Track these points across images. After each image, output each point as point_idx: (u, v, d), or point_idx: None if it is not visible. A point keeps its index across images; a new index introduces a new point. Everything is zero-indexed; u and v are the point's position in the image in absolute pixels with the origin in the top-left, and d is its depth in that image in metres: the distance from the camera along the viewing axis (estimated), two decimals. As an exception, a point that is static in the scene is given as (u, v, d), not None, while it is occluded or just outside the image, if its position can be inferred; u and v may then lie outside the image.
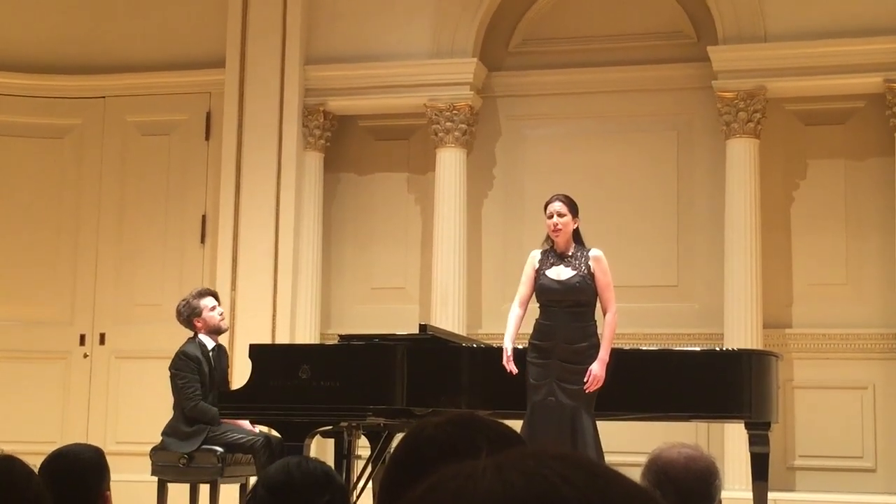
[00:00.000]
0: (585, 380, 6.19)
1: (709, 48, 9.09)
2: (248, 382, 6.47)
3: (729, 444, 8.52)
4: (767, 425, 6.50)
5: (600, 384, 6.20)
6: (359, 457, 7.10)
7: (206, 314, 7.40)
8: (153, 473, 7.34)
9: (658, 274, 9.23)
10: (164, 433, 7.33)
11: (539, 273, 6.41)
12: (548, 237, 6.50)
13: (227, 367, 7.60)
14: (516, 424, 5.96)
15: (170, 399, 7.52)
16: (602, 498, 0.79)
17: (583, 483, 0.79)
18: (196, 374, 7.27)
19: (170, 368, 7.39)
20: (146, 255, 9.99)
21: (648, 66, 9.38)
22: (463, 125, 9.43)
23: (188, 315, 7.44)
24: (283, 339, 9.20)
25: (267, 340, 8.98)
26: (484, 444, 1.50)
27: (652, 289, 9.16)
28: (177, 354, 7.45)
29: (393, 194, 9.84)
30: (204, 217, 9.93)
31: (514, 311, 6.52)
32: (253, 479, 6.86)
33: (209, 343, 7.42)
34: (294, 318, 9.42)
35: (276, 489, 2.45)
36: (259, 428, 7.26)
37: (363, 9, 9.77)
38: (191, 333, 7.53)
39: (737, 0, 9.05)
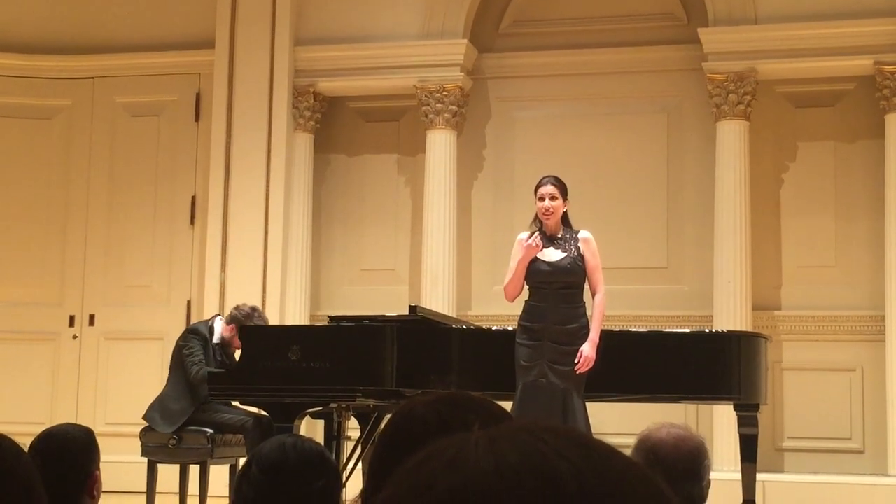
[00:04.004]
0: (576, 361, 6.19)
1: (699, 30, 9.08)
2: (238, 364, 6.47)
3: (718, 425, 8.55)
4: (756, 407, 6.52)
5: (591, 365, 6.20)
6: (349, 438, 7.10)
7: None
8: (143, 454, 7.35)
9: (648, 256, 9.24)
10: (151, 405, 7.35)
11: (529, 255, 6.40)
12: (536, 218, 6.48)
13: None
14: (506, 406, 5.96)
15: (158, 379, 7.53)
16: (596, 471, 0.78)
17: (577, 456, 0.79)
18: (202, 346, 7.29)
19: (178, 342, 7.42)
20: (135, 236, 9.98)
21: (639, 48, 9.38)
22: (453, 107, 9.41)
23: (244, 317, 7.26)
24: (272, 320, 9.18)
25: (257, 322, 8.96)
26: (474, 422, 1.50)
27: (641, 271, 9.17)
28: (186, 330, 7.55)
29: (383, 176, 9.83)
30: (193, 198, 9.91)
31: None
32: (242, 461, 6.86)
33: (217, 332, 7.41)
34: (284, 300, 9.42)
35: (270, 470, 2.41)
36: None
37: (353, -10, 9.75)
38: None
39: (727, -18, 9.04)
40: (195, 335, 7.39)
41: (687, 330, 7.46)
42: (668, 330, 7.47)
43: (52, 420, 8.43)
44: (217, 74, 9.73)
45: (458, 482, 0.77)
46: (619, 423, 7.69)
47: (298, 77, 9.71)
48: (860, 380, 8.82)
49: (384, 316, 6.68)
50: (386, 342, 6.23)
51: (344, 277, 9.82)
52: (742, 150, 8.90)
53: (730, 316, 8.64)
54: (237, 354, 7.10)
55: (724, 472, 7.96)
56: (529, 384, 6.21)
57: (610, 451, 0.82)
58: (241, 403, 7.19)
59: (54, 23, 10.27)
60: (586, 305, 6.39)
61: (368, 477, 1.60)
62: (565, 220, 6.48)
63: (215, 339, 7.41)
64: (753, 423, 6.48)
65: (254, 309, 7.44)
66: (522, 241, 6.46)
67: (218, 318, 7.57)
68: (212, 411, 7.27)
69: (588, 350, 6.20)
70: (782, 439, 8.92)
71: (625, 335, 6.66)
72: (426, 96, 9.43)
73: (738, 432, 6.56)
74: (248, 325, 7.00)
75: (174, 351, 7.48)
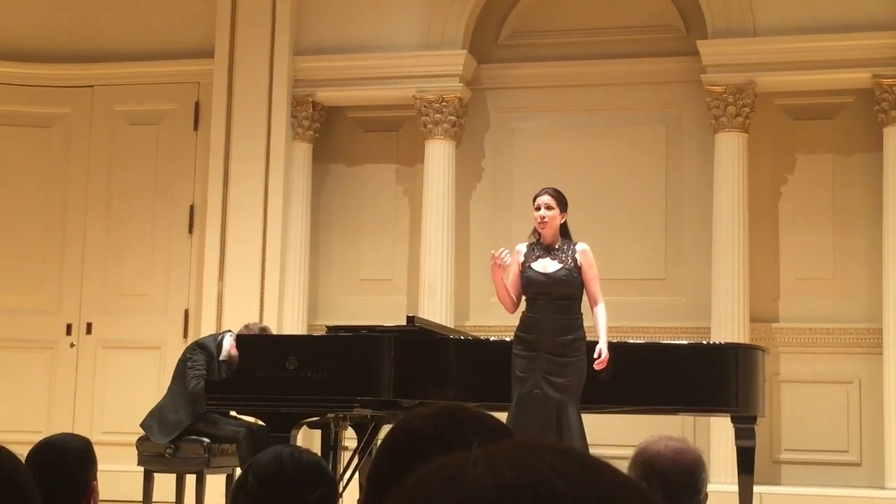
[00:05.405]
0: (596, 356, 6.19)
1: (698, 42, 9.10)
2: (235, 373, 6.47)
3: (715, 437, 8.54)
4: (753, 419, 6.51)
5: (605, 364, 6.21)
6: (345, 448, 7.10)
7: None
8: (139, 464, 7.34)
9: (646, 267, 9.24)
10: (150, 412, 7.34)
11: (525, 266, 6.41)
12: (535, 230, 6.50)
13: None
14: (503, 416, 5.97)
15: (156, 388, 7.53)
16: (593, 490, 0.79)
17: (574, 475, 0.79)
18: (206, 360, 7.28)
19: (184, 353, 7.43)
20: (134, 244, 9.97)
21: (638, 60, 9.39)
22: (452, 117, 9.42)
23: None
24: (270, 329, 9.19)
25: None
26: (473, 436, 1.51)
27: (639, 282, 9.17)
28: (194, 342, 7.55)
29: (381, 186, 9.83)
30: (192, 207, 9.92)
31: None
32: (239, 470, 6.85)
33: (225, 349, 7.38)
34: (282, 309, 9.42)
35: (266, 480, 2.41)
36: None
37: (352, 0, 9.76)
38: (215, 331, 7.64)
39: (726, -6, 9.06)
40: (202, 349, 7.38)
41: (684, 342, 7.45)
42: (665, 341, 7.47)
43: (48, 429, 8.43)
44: (216, 83, 9.74)
45: (456, 501, 0.78)
46: (616, 435, 7.69)
47: (297, 86, 9.71)
48: (857, 392, 8.82)
49: (382, 326, 6.69)
50: (383, 352, 6.23)
51: (342, 287, 9.82)
52: (740, 162, 8.91)
53: (727, 328, 8.64)
54: None
55: (722, 484, 7.96)
56: (524, 395, 6.22)
57: (606, 469, 0.82)
58: (238, 413, 7.18)
59: (53, 31, 10.28)
60: (583, 317, 6.39)
61: (367, 490, 1.60)
62: (564, 231, 6.49)
63: (222, 356, 7.39)
64: (751, 435, 6.48)
65: (263, 329, 7.44)
66: (520, 252, 6.48)
67: (228, 335, 7.52)
68: (208, 421, 7.26)
69: (605, 350, 6.21)
70: (779, 451, 8.92)
71: (622, 347, 6.64)
72: (425, 106, 9.44)
73: (736, 444, 6.56)
74: (243, 334, 6.99)
75: (179, 362, 7.47)
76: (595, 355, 6.21)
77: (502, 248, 6.39)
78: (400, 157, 9.86)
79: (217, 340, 7.49)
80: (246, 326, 7.42)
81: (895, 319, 8.54)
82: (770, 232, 9.11)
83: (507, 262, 6.32)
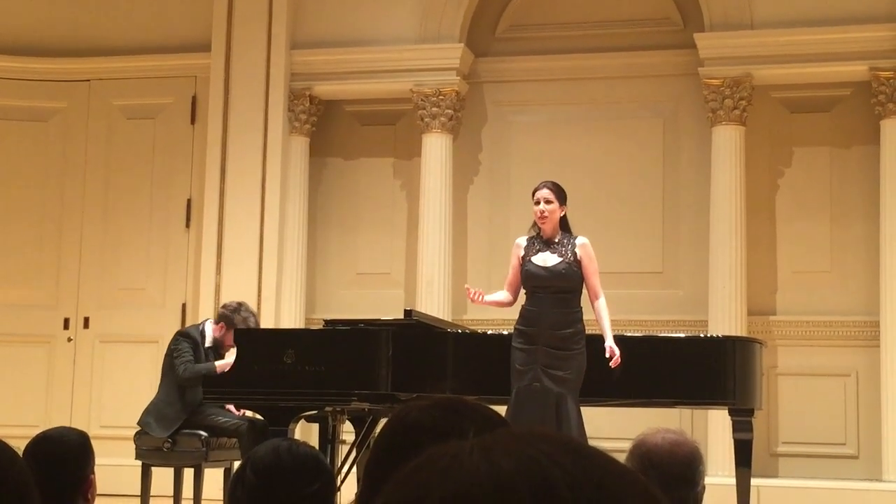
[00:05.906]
0: (609, 356, 6.20)
1: (695, 35, 9.09)
2: (233, 367, 6.47)
3: (712, 430, 8.55)
4: (751, 412, 6.52)
5: (619, 361, 6.22)
6: (343, 441, 7.10)
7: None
8: (137, 457, 7.34)
9: (643, 260, 9.24)
10: (145, 410, 7.34)
11: (525, 259, 6.42)
12: (534, 224, 6.50)
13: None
14: (501, 410, 5.97)
15: (153, 382, 7.53)
16: (590, 479, 0.79)
17: (570, 464, 0.79)
18: (192, 348, 7.27)
19: (169, 346, 7.42)
20: (131, 238, 9.97)
21: (635, 53, 9.38)
22: (449, 110, 9.42)
23: (231, 312, 7.28)
24: (268, 323, 9.18)
25: (252, 325, 8.95)
26: (470, 427, 1.50)
27: (637, 275, 9.17)
28: (177, 333, 7.54)
29: (379, 179, 9.82)
30: (189, 201, 9.91)
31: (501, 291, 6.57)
32: (237, 464, 6.85)
33: (209, 335, 7.39)
34: (279, 303, 9.42)
35: (264, 473, 2.41)
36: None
37: (350, -7, 9.76)
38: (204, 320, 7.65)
39: (723, -13, 9.06)
40: (185, 338, 7.37)
41: (682, 335, 7.46)
42: (663, 335, 7.47)
43: (46, 423, 8.43)
44: (213, 77, 9.73)
45: (452, 490, 0.77)
46: (614, 428, 7.70)
47: (294, 80, 9.70)
48: (855, 385, 8.83)
49: (379, 319, 6.68)
50: (381, 346, 6.23)
51: (339, 281, 9.82)
52: (737, 155, 8.91)
53: (725, 321, 8.64)
54: (230, 353, 7.11)
55: (719, 477, 7.97)
56: (523, 388, 6.22)
57: (604, 458, 0.82)
58: (236, 407, 7.19)
59: (50, 25, 10.27)
60: (583, 311, 6.39)
61: (364, 482, 1.60)
62: (564, 225, 6.49)
63: (207, 343, 7.39)
64: (748, 428, 6.49)
65: (240, 304, 7.45)
66: (520, 245, 6.49)
67: (208, 322, 7.56)
68: (206, 414, 7.26)
69: (615, 347, 6.21)
70: (777, 444, 8.92)
71: (620, 340, 6.65)
72: (422, 100, 9.43)
73: (733, 437, 6.57)
74: (242, 328, 6.99)
75: (165, 356, 7.46)
76: (607, 355, 6.21)
77: (474, 292, 6.41)
78: (397, 150, 9.86)
79: (200, 329, 7.49)
80: (223, 306, 7.45)
81: (892, 312, 8.55)
82: (767, 225, 9.11)
83: (483, 294, 6.36)
